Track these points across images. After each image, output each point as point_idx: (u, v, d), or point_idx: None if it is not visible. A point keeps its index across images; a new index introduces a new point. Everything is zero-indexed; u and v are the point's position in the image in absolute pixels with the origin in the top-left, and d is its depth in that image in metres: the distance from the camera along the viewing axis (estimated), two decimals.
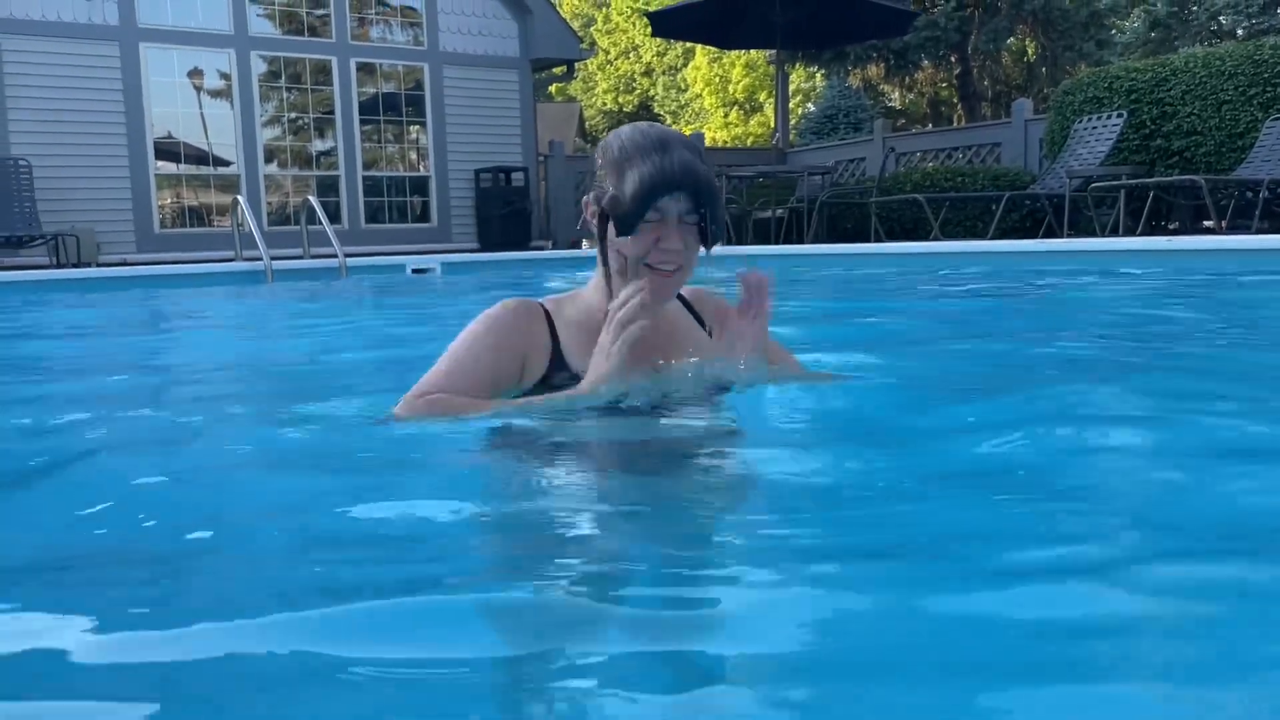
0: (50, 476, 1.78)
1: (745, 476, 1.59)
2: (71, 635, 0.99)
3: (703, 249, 1.82)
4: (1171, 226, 9.92)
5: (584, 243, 13.37)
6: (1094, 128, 9.72)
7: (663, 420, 1.78)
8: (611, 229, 1.78)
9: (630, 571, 1.17)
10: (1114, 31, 21.18)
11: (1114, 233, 9.00)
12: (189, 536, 1.30)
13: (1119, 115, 9.55)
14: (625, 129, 1.81)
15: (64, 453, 1.94)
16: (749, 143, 32.14)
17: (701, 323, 1.99)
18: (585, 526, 1.35)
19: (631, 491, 1.52)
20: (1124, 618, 0.96)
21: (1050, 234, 9.53)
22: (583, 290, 1.93)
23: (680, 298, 1.99)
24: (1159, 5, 20.73)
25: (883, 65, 19.37)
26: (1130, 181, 8.65)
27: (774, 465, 1.61)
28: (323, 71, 13.33)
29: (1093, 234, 9.07)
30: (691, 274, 1.84)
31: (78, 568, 1.24)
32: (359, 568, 1.18)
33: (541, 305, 1.87)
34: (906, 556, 1.16)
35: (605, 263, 1.83)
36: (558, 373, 1.81)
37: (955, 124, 20.36)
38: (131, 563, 1.24)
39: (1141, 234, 8.69)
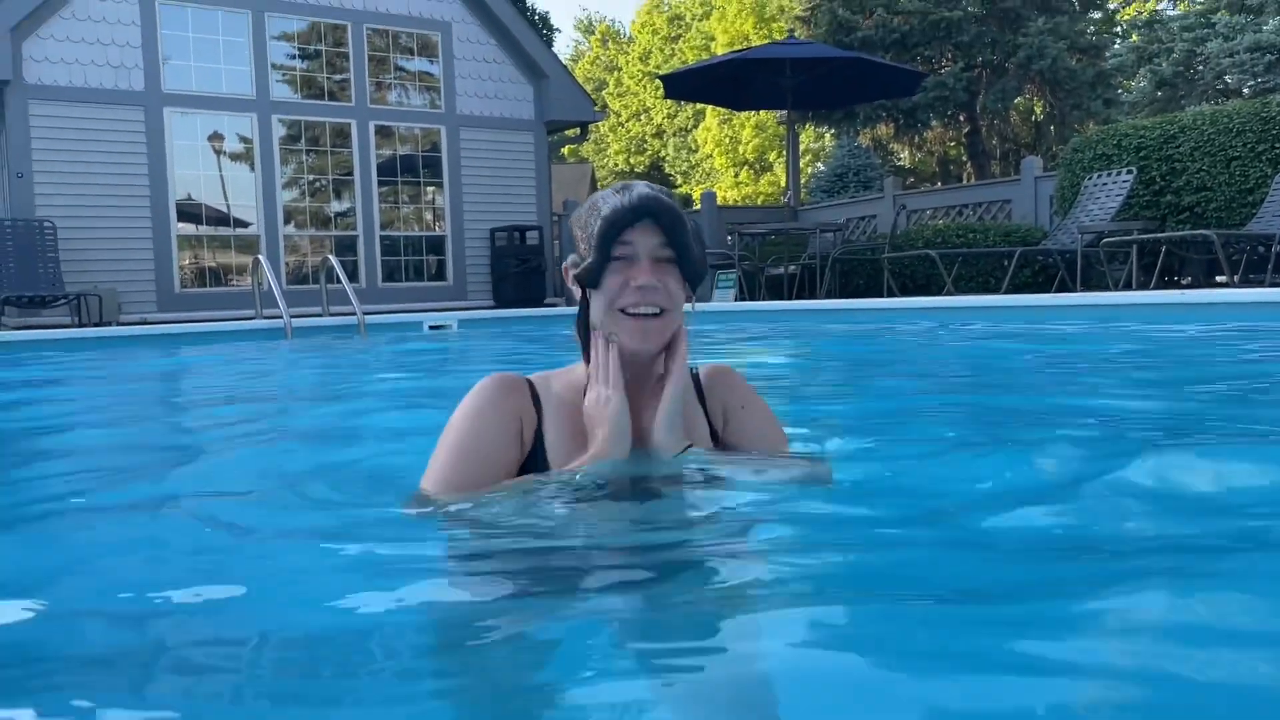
0: (42, 535, 1.78)
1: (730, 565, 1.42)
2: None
3: (688, 298, 1.70)
4: (1184, 282, 9.95)
5: None
6: (1104, 184, 9.80)
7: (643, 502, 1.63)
8: (590, 292, 1.68)
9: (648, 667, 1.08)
10: (1120, 91, 21.42)
11: (1126, 288, 9.03)
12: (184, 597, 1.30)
13: (1129, 171, 9.63)
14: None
15: (56, 514, 1.95)
16: (759, 202, 32.43)
17: (705, 409, 1.81)
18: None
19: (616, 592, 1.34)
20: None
21: (1063, 289, 9.57)
22: (576, 365, 1.79)
23: (695, 378, 1.83)
24: (1164, 65, 20.98)
25: (892, 125, 19.62)
26: (1142, 236, 8.70)
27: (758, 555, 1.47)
28: (341, 134, 13.59)
29: (1105, 289, 9.10)
30: (678, 321, 1.68)
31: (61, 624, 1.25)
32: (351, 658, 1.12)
33: (527, 380, 1.74)
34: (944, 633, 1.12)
35: (582, 332, 1.72)
36: (538, 451, 1.68)
37: (965, 182, 20.55)
38: (103, 619, 1.25)
39: (1154, 289, 8.71)
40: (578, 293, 1.71)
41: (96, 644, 1.19)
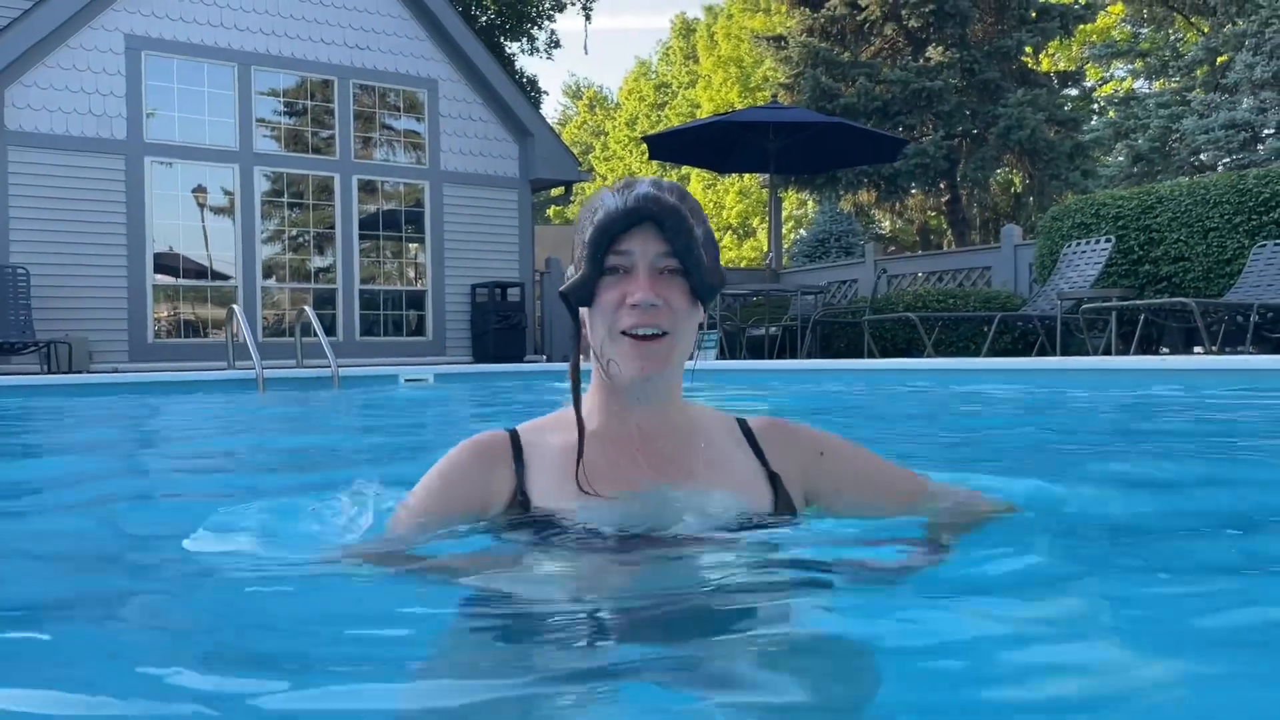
0: None
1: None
2: None
3: (698, 311, 1.47)
4: (1163, 350, 9.97)
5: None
6: (1083, 251, 9.86)
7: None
8: (583, 312, 1.47)
9: None
10: (1098, 164, 21.80)
11: (1106, 354, 9.03)
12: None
13: (1107, 239, 9.70)
14: None
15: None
16: (743, 266, 32.67)
17: (761, 456, 1.55)
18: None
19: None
20: None
21: (1043, 355, 9.57)
22: (564, 410, 1.60)
23: (743, 425, 1.59)
24: (1141, 140, 21.39)
25: (874, 191, 19.83)
26: (1122, 303, 8.72)
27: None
28: (324, 189, 13.57)
29: (1085, 355, 9.09)
30: (690, 342, 1.46)
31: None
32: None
33: (510, 435, 1.54)
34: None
35: (575, 358, 1.52)
36: (521, 513, 1.48)
37: (945, 249, 20.74)
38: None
39: (1124, 356, 8.72)
40: (569, 312, 1.52)
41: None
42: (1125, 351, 8.94)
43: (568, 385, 1.53)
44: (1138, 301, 8.75)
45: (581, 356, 1.53)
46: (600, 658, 1.10)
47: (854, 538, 1.47)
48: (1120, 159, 22.38)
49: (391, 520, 1.55)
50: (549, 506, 1.45)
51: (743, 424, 1.58)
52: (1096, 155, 21.94)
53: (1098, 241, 9.79)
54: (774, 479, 1.52)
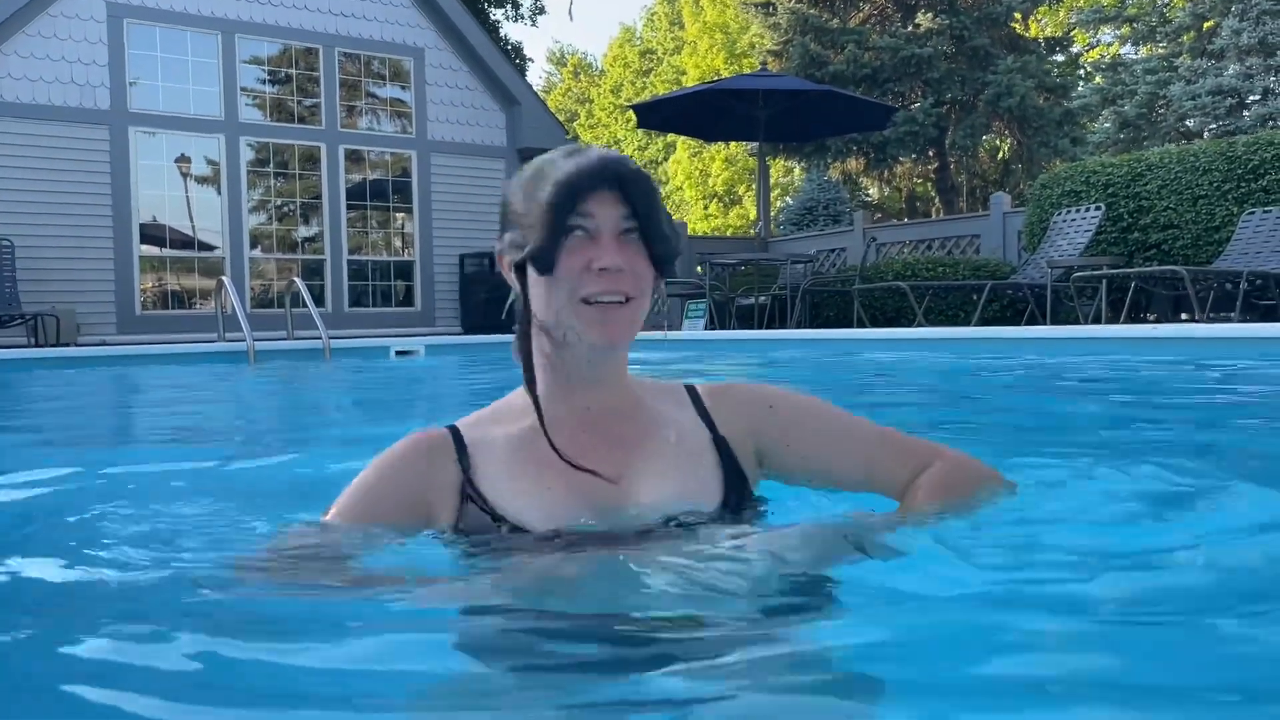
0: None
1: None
2: None
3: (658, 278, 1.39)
4: (1151, 318, 10.03)
5: None
6: (1073, 220, 9.88)
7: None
8: (533, 281, 1.36)
9: None
10: (1086, 131, 21.79)
11: (1095, 323, 9.08)
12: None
13: (1097, 208, 9.72)
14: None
15: None
16: (729, 234, 32.59)
17: (709, 422, 1.48)
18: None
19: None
20: None
21: (1033, 323, 9.61)
22: (512, 394, 1.49)
23: (691, 390, 1.53)
24: (1128, 107, 21.38)
25: (862, 159, 19.79)
26: (1112, 271, 8.76)
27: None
28: (310, 158, 13.46)
29: (1075, 323, 9.14)
30: (647, 307, 1.39)
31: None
32: None
33: (451, 432, 1.44)
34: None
35: (524, 335, 1.41)
36: (473, 512, 1.37)
37: (933, 217, 20.75)
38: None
39: (1123, 324, 8.77)
40: (514, 283, 1.41)
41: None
42: (1115, 319, 8.99)
43: (513, 366, 1.44)
44: (1129, 269, 8.79)
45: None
46: (565, 666, 1.03)
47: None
48: (1107, 125, 22.38)
49: (298, 532, 1.42)
50: (503, 499, 1.37)
51: (690, 390, 1.52)
52: (1084, 122, 21.94)
53: (1087, 209, 9.81)
54: (720, 445, 1.45)
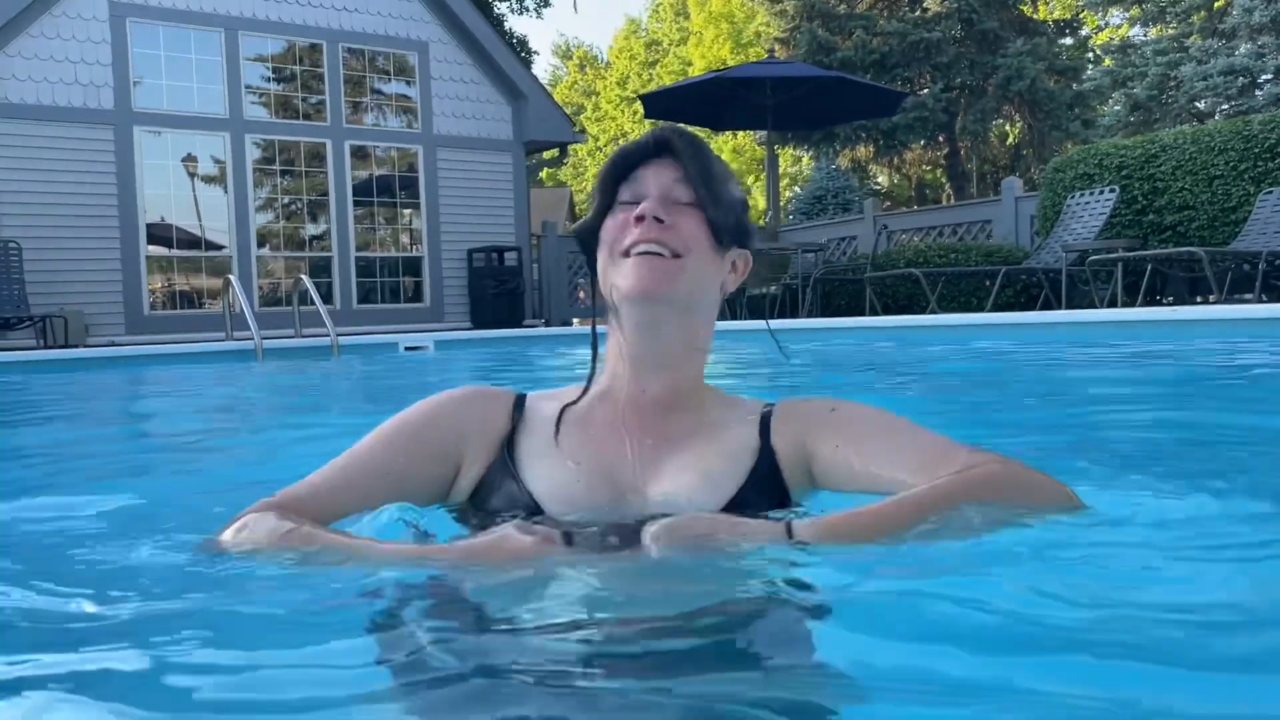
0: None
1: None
2: None
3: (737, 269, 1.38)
4: (1167, 300, 9.91)
5: (574, 320, 13.34)
6: (1087, 203, 9.76)
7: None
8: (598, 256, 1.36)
9: None
10: (1097, 113, 21.60)
11: (1111, 306, 8.97)
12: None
13: (1111, 190, 9.60)
14: None
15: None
16: None
17: (766, 432, 1.36)
18: None
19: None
20: None
21: (1047, 308, 9.50)
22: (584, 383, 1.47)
23: (767, 406, 1.41)
24: (1139, 89, 21.17)
25: (872, 146, 19.65)
26: (1129, 254, 8.64)
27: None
28: (316, 156, 13.40)
29: (1091, 308, 9.03)
30: (708, 286, 1.32)
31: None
32: None
33: (515, 394, 1.44)
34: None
35: (593, 310, 1.42)
36: (498, 469, 1.33)
37: (944, 203, 20.60)
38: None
39: (1141, 307, 8.65)
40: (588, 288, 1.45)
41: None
42: (1131, 303, 8.87)
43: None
44: (1146, 252, 8.67)
45: (579, 321, 1.41)
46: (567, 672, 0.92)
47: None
48: (1117, 108, 22.17)
49: (304, 485, 1.32)
50: (530, 467, 1.32)
51: (767, 405, 1.42)
52: (1095, 105, 21.74)
53: (1101, 192, 9.69)
54: (763, 452, 1.33)
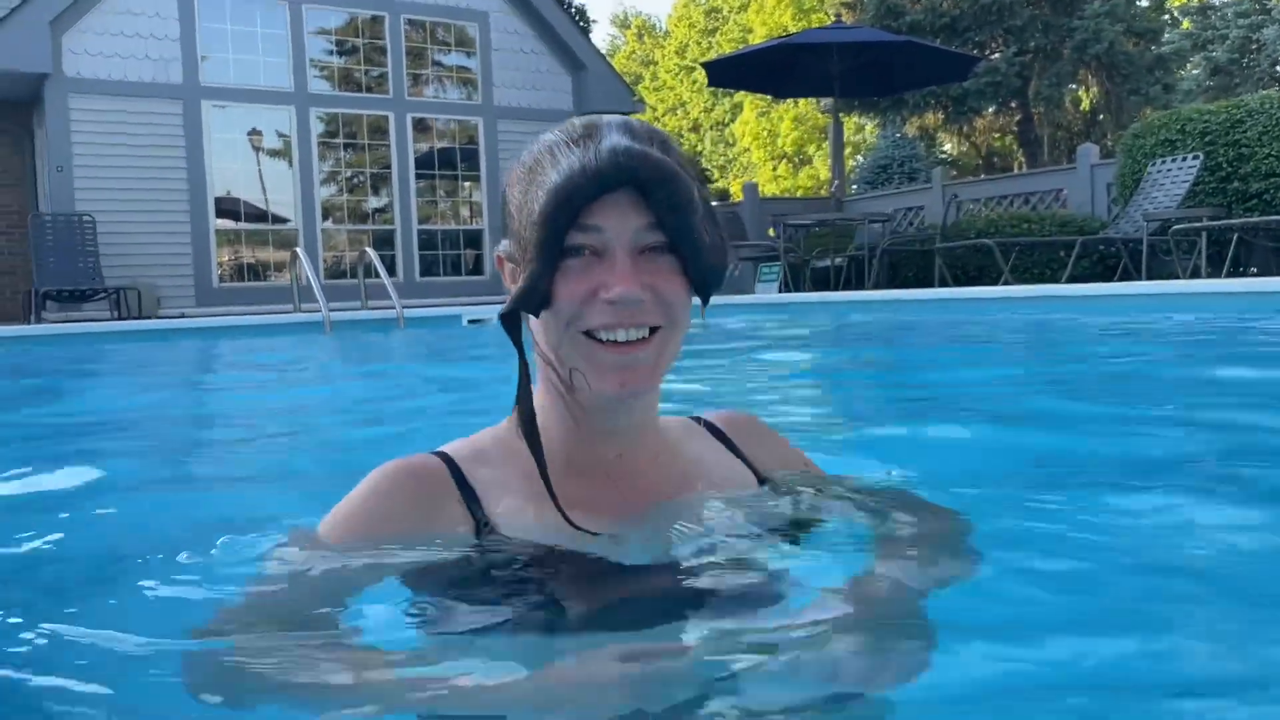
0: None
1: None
2: None
3: (695, 299, 1.07)
4: (1252, 271, 9.54)
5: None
6: (1169, 170, 9.41)
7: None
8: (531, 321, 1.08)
9: None
10: (1176, 77, 20.90)
11: (1194, 277, 8.66)
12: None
13: (1195, 157, 9.24)
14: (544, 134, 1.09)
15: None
16: (798, 195, 32.03)
17: (740, 456, 1.23)
18: None
19: None
20: None
21: (1126, 279, 9.21)
22: (498, 428, 1.17)
23: (709, 425, 1.25)
24: (1219, 51, 20.41)
25: (941, 113, 19.20)
26: (1214, 223, 8.31)
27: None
28: (378, 128, 13.44)
29: (1173, 278, 8.72)
30: (680, 341, 1.07)
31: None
32: None
33: (441, 457, 1.12)
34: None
35: (523, 375, 1.11)
36: (490, 540, 1.07)
37: (1014, 171, 20.08)
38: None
39: (1226, 278, 8.34)
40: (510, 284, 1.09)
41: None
42: (1215, 274, 8.55)
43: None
44: (1232, 220, 8.33)
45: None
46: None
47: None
48: (1196, 71, 21.41)
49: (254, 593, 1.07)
50: (526, 522, 1.08)
51: (703, 423, 1.25)
52: (1174, 68, 21.03)
53: (1184, 159, 9.33)
54: (758, 478, 1.22)
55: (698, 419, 1.25)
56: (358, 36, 13.29)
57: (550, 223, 0.98)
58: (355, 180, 13.59)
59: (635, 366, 1.03)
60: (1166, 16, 24.63)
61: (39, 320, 10.22)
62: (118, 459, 2.48)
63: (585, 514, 1.07)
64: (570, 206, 0.98)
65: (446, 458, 1.11)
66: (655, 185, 0.99)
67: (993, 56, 17.73)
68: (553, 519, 1.06)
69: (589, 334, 1.02)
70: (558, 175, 0.99)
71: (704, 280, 1.04)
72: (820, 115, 32.53)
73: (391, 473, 1.09)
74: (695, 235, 1.01)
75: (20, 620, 1.09)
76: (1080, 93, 21.57)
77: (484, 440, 1.15)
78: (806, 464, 1.29)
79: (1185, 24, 22.42)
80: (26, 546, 1.49)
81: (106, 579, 1.31)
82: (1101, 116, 19.95)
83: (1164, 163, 9.54)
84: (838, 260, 11.62)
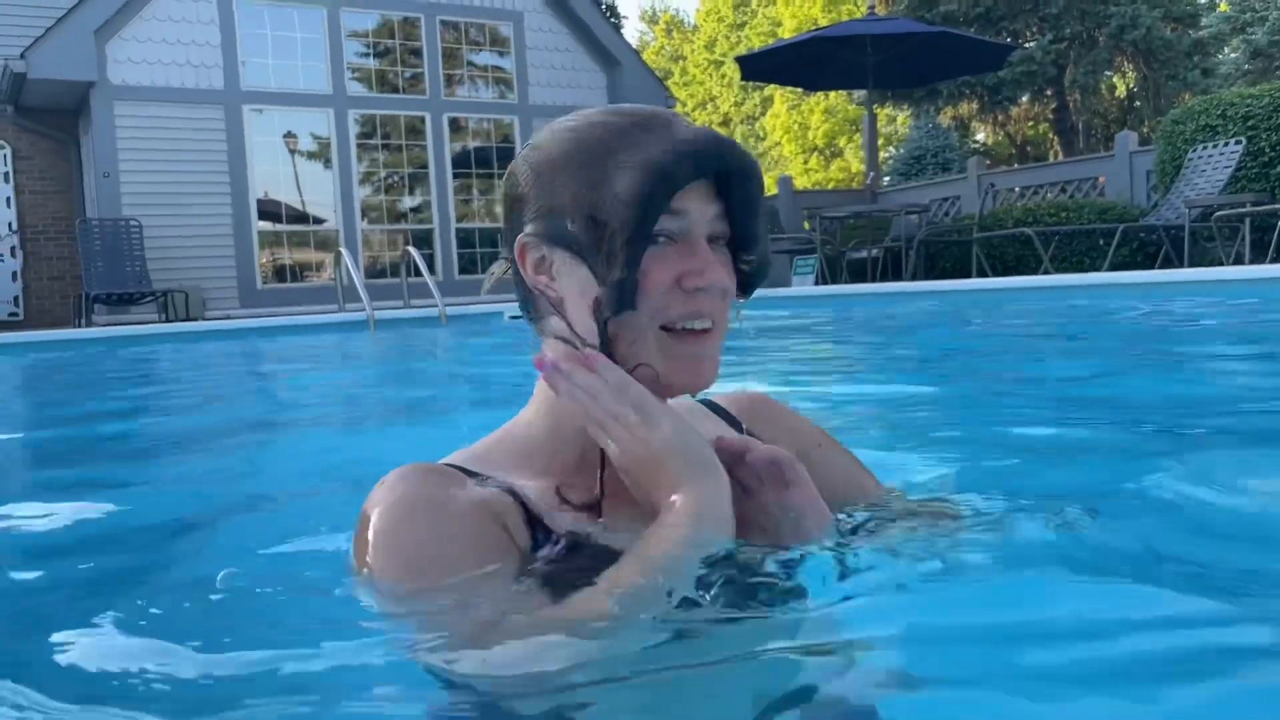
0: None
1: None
2: None
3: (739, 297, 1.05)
4: None
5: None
6: (1210, 156, 9.33)
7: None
8: (581, 290, 1.00)
9: None
10: (1216, 62, 20.60)
11: (1237, 264, 8.58)
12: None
13: (1237, 142, 9.15)
14: (565, 119, 1.07)
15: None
16: (831, 187, 31.91)
17: (740, 429, 1.19)
18: None
19: None
20: None
21: (1168, 266, 9.14)
22: (511, 427, 1.11)
23: (717, 408, 1.22)
24: (1259, 35, 20.09)
25: (976, 102, 19.07)
26: (1257, 209, 8.24)
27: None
28: (413, 129, 13.58)
29: (1216, 265, 8.65)
30: (723, 338, 1.03)
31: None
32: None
33: (460, 471, 1.04)
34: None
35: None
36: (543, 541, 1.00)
37: (1050, 160, 19.91)
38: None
39: (1271, 263, 8.26)
40: (545, 287, 1.04)
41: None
42: (1260, 260, 8.47)
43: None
44: (1277, 205, 8.25)
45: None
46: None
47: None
48: (1234, 55, 21.08)
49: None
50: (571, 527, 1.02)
51: (711, 406, 1.21)
52: (1213, 53, 20.73)
53: (1227, 144, 9.24)
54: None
55: (705, 402, 1.21)
56: (393, 38, 13.43)
57: (645, 203, 0.94)
58: (392, 180, 13.75)
59: (710, 358, 1.00)
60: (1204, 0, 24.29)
61: (89, 324, 10.45)
62: (197, 458, 2.58)
63: (608, 510, 1.03)
64: (669, 185, 0.94)
65: (460, 468, 1.04)
66: (740, 176, 0.98)
67: (1028, 45, 17.59)
68: (583, 516, 1.02)
69: (665, 327, 0.98)
70: (647, 155, 0.94)
71: (756, 276, 1.04)
72: (851, 107, 32.38)
73: (422, 472, 1.03)
74: (760, 230, 1.02)
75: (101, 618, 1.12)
76: (1116, 79, 21.32)
77: (487, 446, 1.10)
78: (822, 439, 1.23)
79: (1223, 6, 22.07)
80: (109, 546, 1.55)
81: (172, 579, 1.35)
82: (1138, 103, 19.71)
83: (1205, 148, 9.45)
84: (874, 252, 11.61)
